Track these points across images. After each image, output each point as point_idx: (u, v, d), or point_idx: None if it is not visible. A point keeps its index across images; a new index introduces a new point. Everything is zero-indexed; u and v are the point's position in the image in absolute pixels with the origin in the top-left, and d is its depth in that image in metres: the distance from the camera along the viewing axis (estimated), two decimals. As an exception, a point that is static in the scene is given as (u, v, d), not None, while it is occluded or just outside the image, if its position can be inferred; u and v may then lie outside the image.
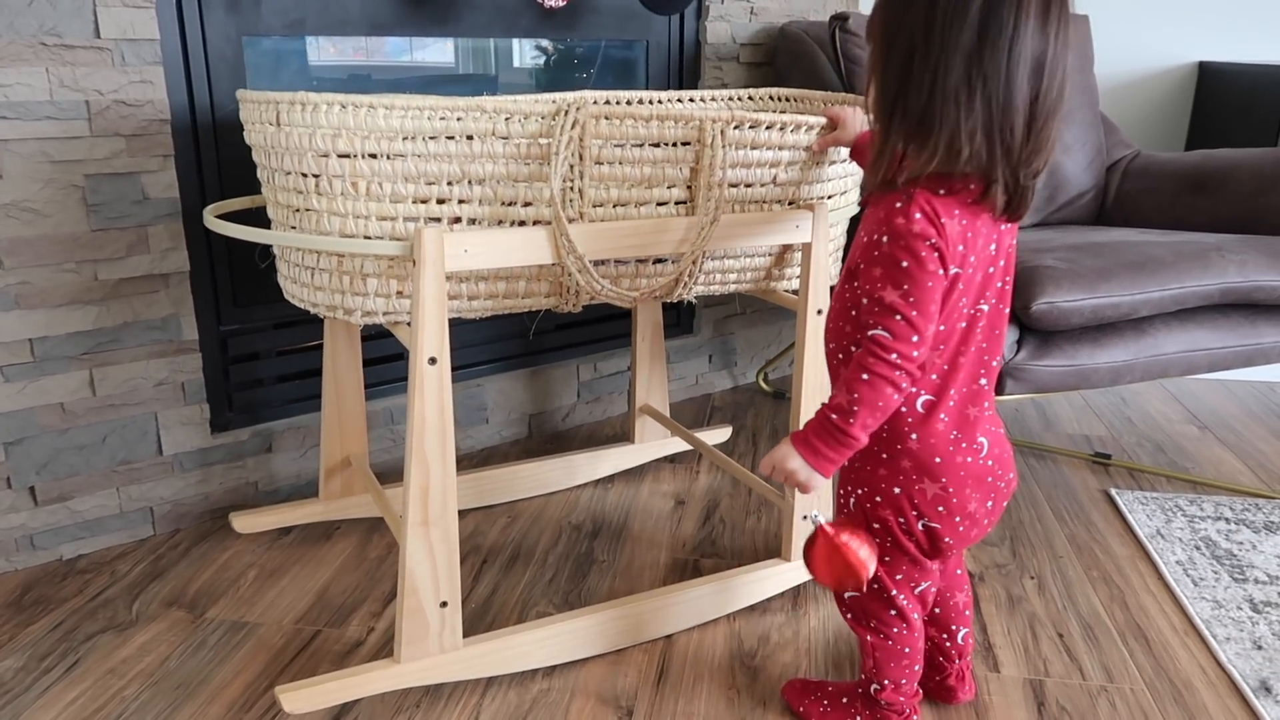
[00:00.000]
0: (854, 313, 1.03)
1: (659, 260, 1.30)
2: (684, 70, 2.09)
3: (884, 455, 1.05)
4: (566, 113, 1.13)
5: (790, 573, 1.48)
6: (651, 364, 1.87)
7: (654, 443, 1.93)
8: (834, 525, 1.04)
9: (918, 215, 0.93)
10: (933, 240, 0.93)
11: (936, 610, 1.20)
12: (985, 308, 1.02)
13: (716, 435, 2.04)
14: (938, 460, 1.03)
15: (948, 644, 1.22)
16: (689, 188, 1.25)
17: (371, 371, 1.78)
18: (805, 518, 1.03)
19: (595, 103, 1.52)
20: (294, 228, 1.17)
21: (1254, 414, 2.24)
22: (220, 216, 1.31)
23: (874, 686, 1.17)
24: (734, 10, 2.10)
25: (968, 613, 1.22)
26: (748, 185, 1.28)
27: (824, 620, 1.42)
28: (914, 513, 1.05)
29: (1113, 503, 1.80)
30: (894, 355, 0.95)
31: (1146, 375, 1.52)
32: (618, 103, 1.59)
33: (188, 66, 1.52)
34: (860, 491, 1.08)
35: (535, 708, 1.23)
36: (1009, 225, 1.01)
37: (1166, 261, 1.49)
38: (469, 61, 1.99)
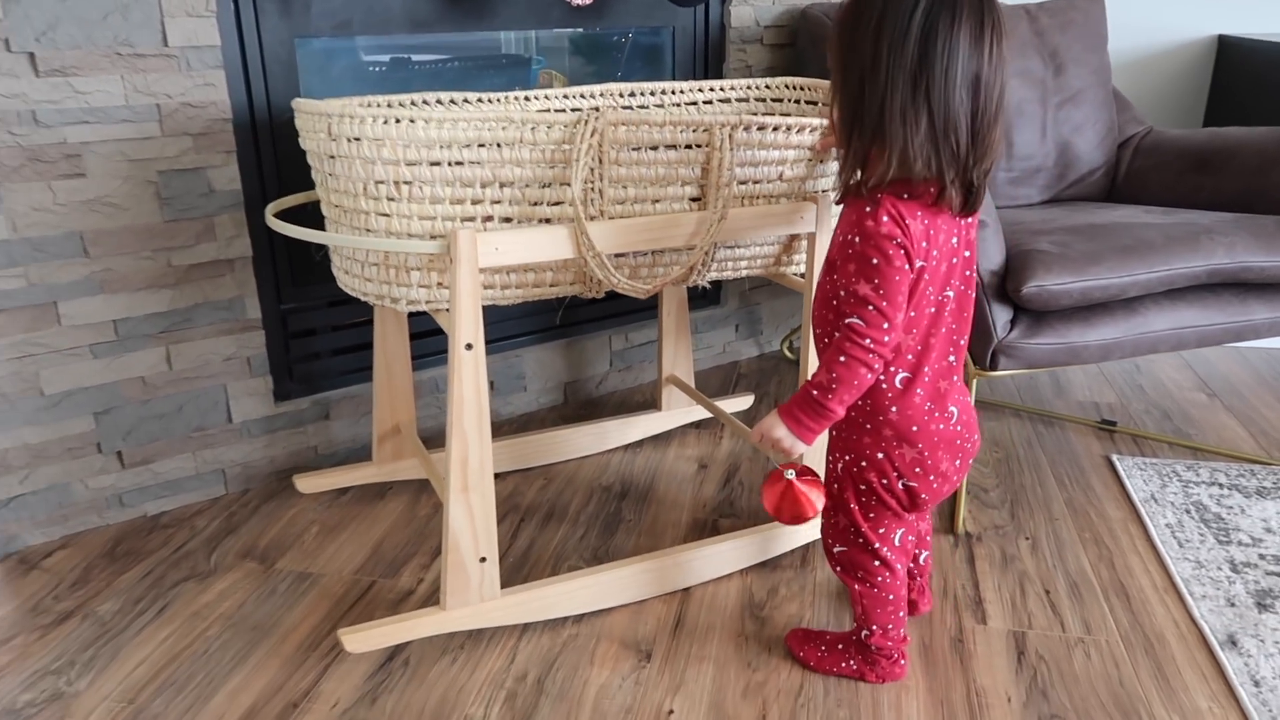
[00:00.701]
0: (835, 302, 1.17)
1: (676, 250, 1.42)
2: (709, 54, 2.18)
3: (868, 426, 1.19)
4: (586, 122, 1.25)
5: (799, 532, 1.62)
6: (677, 336, 2.00)
7: (679, 410, 2.07)
8: (798, 478, 1.21)
9: (885, 218, 1.07)
10: (898, 240, 1.07)
11: (909, 538, 1.33)
12: (951, 293, 1.16)
13: (739, 403, 2.17)
14: (915, 429, 1.17)
15: (912, 566, 1.40)
16: (701, 185, 1.37)
17: (418, 345, 1.93)
18: (785, 472, 1.22)
19: (617, 96, 1.64)
20: (344, 225, 1.32)
21: (1265, 381, 2.31)
22: (279, 212, 1.46)
23: (864, 632, 1.31)
24: (757, -6, 2.19)
25: (928, 538, 1.43)
26: (755, 182, 1.40)
27: (829, 577, 1.56)
28: (895, 474, 1.20)
29: (1113, 468, 1.90)
30: (867, 340, 1.09)
31: (1136, 352, 1.61)
32: (639, 95, 1.70)
33: (246, 69, 1.66)
34: (848, 458, 1.23)
35: (565, 650, 1.39)
36: (969, 219, 1.14)
37: (1156, 245, 1.57)
38: (506, 45, 2.10)
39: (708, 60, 2.19)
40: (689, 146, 1.34)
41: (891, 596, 1.29)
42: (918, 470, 1.19)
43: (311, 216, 1.45)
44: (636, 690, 1.31)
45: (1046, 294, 1.50)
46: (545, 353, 2.15)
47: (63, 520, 1.67)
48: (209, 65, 1.60)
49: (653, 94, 1.72)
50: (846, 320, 1.10)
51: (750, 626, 1.44)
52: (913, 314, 1.13)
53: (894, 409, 1.17)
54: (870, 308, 1.08)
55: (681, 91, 1.73)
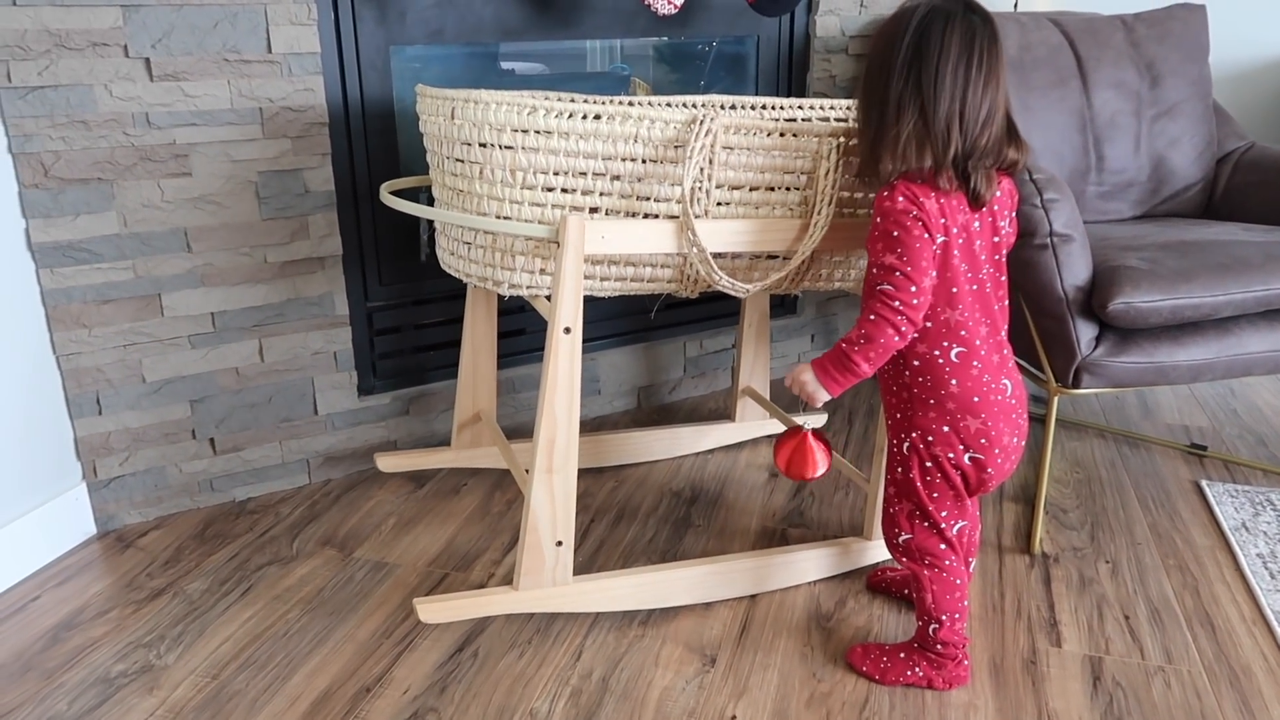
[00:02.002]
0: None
1: (771, 256, 1.43)
2: (794, 63, 2.18)
3: (931, 401, 1.25)
4: (701, 122, 1.28)
5: (871, 550, 1.60)
6: (756, 348, 2.00)
7: (753, 422, 2.07)
8: (814, 434, 1.33)
9: (900, 197, 1.18)
10: (914, 213, 1.17)
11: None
12: (988, 272, 1.24)
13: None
14: (976, 399, 1.23)
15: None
16: (804, 194, 1.38)
17: (504, 343, 1.98)
18: (800, 426, 1.35)
19: (718, 108, 1.66)
20: (456, 208, 1.37)
21: (1371, 410, 2.20)
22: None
23: (933, 626, 1.31)
24: (844, 4, 2.18)
25: (977, 547, 1.42)
26: (859, 193, 1.40)
27: (866, 579, 1.54)
28: (961, 446, 1.24)
29: (1201, 494, 1.84)
30: (896, 302, 1.18)
31: (1229, 374, 1.55)
32: (739, 108, 1.71)
33: (343, 74, 1.72)
34: (914, 435, 1.27)
35: (630, 650, 1.40)
36: (994, 205, 1.23)
37: (1254, 263, 1.51)
38: (592, 53, 2.14)
39: (791, 70, 2.19)
40: (796, 154, 1.35)
41: (959, 581, 1.30)
42: (983, 441, 1.24)
43: (413, 201, 1.49)
44: (700, 694, 1.32)
45: (1134, 311, 1.46)
46: (620, 356, 2.18)
47: (158, 502, 1.75)
48: (309, 71, 1.67)
49: (752, 108, 1.73)
50: (877, 287, 1.20)
51: (817, 637, 1.44)
52: (955, 290, 1.21)
53: (954, 381, 1.23)
54: (897, 273, 1.18)
55: (783, 107, 1.74)
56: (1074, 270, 1.51)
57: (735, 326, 2.27)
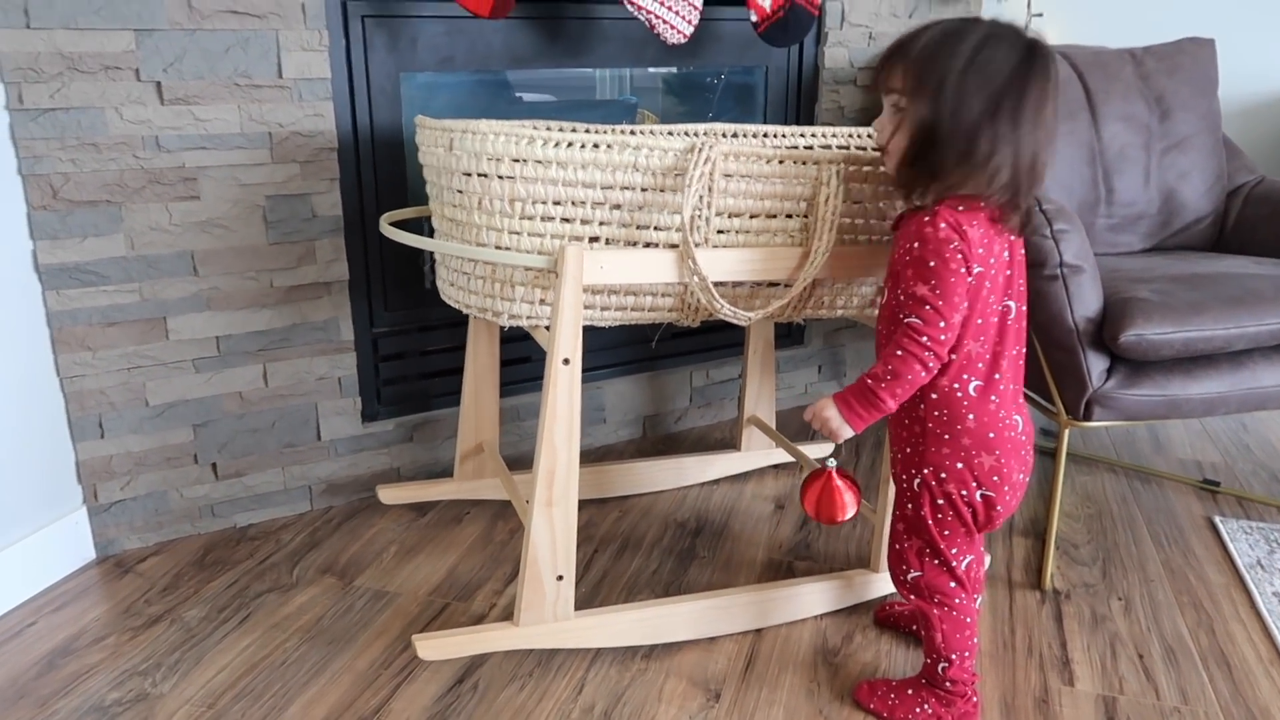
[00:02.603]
0: (901, 316, 1.21)
1: (773, 284, 1.42)
2: (802, 94, 2.19)
3: (946, 436, 1.21)
4: (700, 150, 1.27)
5: (877, 583, 1.58)
6: (762, 377, 1.99)
7: (759, 451, 2.05)
8: (839, 472, 1.29)
9: (943, 225, 1.14)
10: (955, 244, 1.14)
11: None
12: (1011, 304, 1.21)
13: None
14: (991, 435, 1.20)
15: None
16: (805, 221, 1.37)
17: (501, 372, 1.96)
18: (819, 461, 1.32)
19: (720, 136, 1.66)
20: (455, 238, 1.36)
21: (1385, 447, 2.18)
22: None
23: (942, 665, 1.28)
24: (852, 36, 2.19)
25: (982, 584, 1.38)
26: (860, 219, 1.39)
27: (873, 613, 1.51)
28: (974, 483, 1.21)
29: (1215, 530, 1.81)
30: (924, 338, 1.15)
31: (1243, 407, 1.53)
32: (742, 136, 1.71)
33: (353, 100, 1.73)
34: (926, 471, 1.23)
35: (633, 684, 1.38)
36: (1018, 238, 1.21)
37: (1266, 296, 1.50)
38: (601, 83, 2.15)
39: (800, 101, 2.19)
40: (797, 181, 1.35)
41: (969, 619, 1.27)
42: (995, 479, 1.21)
43: (416, 231, 1.49)
44: (704, 729, 1.29)
45: (1146, 343, 1.45)
46: (626, 385, 2.16)
47: (158, 527, 1.74)
48: (319, 97, 1.67)
49: (755, 136, 1.73)
50: (905, 320, 1.16)
51: (823, 673, 1.41)
52: (979, 321, 1.18)
53: (970, 416, 1.20)
54: (927, 307, 1.14)
55: (784, 135, 1.74)
56: (1085, 301, 1.49)
57: (740, 357, 2.26)
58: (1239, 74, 2.42)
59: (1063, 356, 1.52)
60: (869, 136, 1.73)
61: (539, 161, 1.25)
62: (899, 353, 1.16)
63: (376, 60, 1.73)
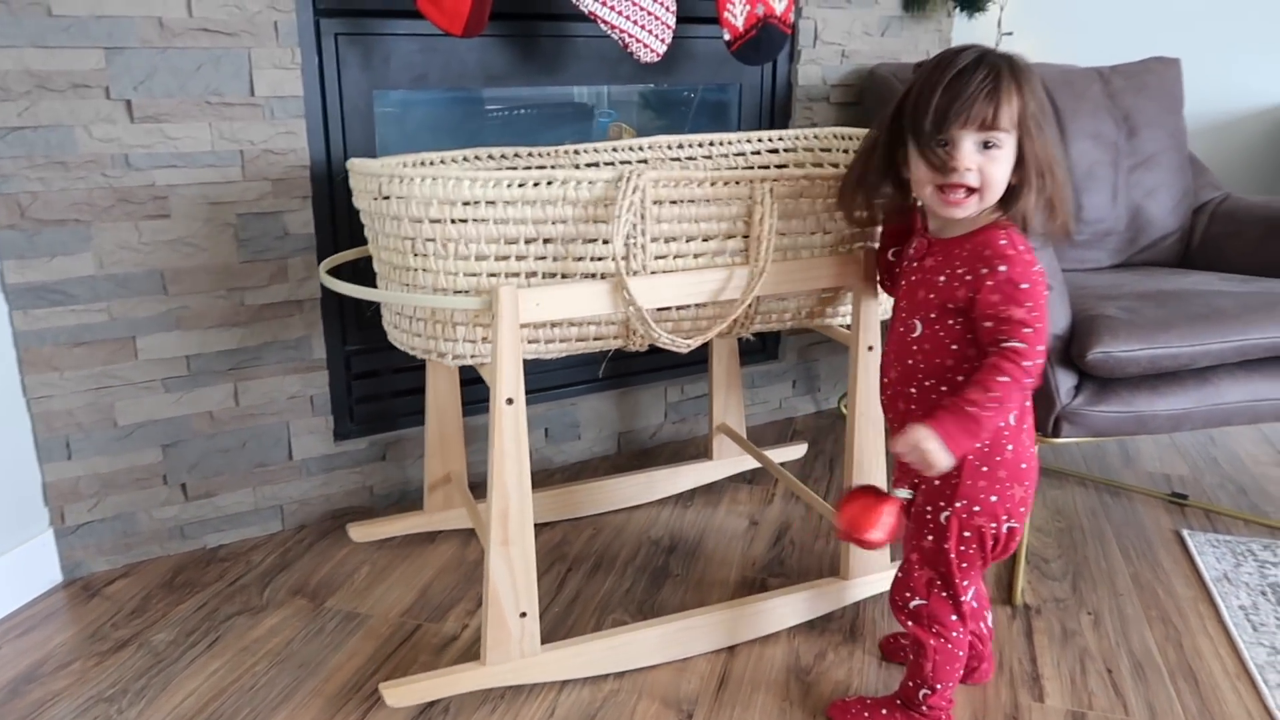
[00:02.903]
0: (954, 347, 1.18)
1: (718, 303, 1.42)
2: (775, 111, 2.20)
3: (984, 468, 1.20)
4: (627, 179, 1.27)
5: (849, 590, 1.58)
6: (728, 385, 1.99)
7: (730, 459, 2.05)
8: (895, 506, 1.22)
9: (1021, 246, 1.14)
10: (1038, 266, 1.14)
11: (975, 604, 1.33)
12: None
13: (791, 452, 2.14)
14: (1024, 466, 1.21)
15: (984, 629, 1.40)
16: (743, 239, 1.38)
17: (470, 390, 1.95)
18: (895, 491, 1.24)
19: (665, 149, 1.66)
20: (394, 281, 1.34)
21: (1350, 459, 2.21)
22: (336, 266, 1.51)
23: (924, 691, 1.28)
24: (826, 53, 2.21)
25: (987, 603, 1.41)
26: (797, 234, 1.40)
27: (878, 642, 1.52)
28: (1004, 515, 1.21)
29: (1183, 543, 1.83)
30: (1027, 362, 1.11)
31: (1208, 423, 1.55)
32: (687, 146, 1.72)
33: (325, 118, 1.72)
34: (958, 504, 1.21)
35: (605, 706, 1.37)
36: None
37: (1231, 313, 1.52)
38: (580, 99, 2.16)
39: (774, 117, 2.21)
40: (731, 202, 1.35)
41: (961, 653, 1.28)
42: (1022, 510, 1.21)
43: (365, 272, 1.49)
44: (677, 750, 1.29)
45: (1113, 361, 1.46)
46: (600, 402, 2.16)
47: (126, 549, 1.72)
48: (291, 114, 1.67)
49: (700, 145, 1.73)
50: (1005, 344, 1.12)
51: (795, 691, 1.41)
52: None
53: (1010, 447, 1.19)
54: (1027, 329, 1.11)
55: (730, 143, 1.74)
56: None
57: (717, 372, 2.26)
58: (1204, 92, 2.46)
59: (1031, 374, 1.54)
60: (815, 137, 1.75)
61: (468, 203, 1.23)
62: (1002, 378, 1.11)
63: (349, 78, 1.73)
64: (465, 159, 1.60)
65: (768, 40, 1.93)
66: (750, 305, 1.39)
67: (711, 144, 1.73)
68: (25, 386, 1.57)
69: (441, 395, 1.75)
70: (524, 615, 1.35)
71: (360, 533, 1.82)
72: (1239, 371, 1.57)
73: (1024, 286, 1.12)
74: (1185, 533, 1.86)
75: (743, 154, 1.77)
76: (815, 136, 1.76)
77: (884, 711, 1.31)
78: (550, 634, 1.44)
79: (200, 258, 1.65)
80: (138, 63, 1.52)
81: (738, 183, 1.34)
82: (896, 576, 1.30)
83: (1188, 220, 2.10)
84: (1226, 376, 1.56)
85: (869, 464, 1.52)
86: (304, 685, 1.40)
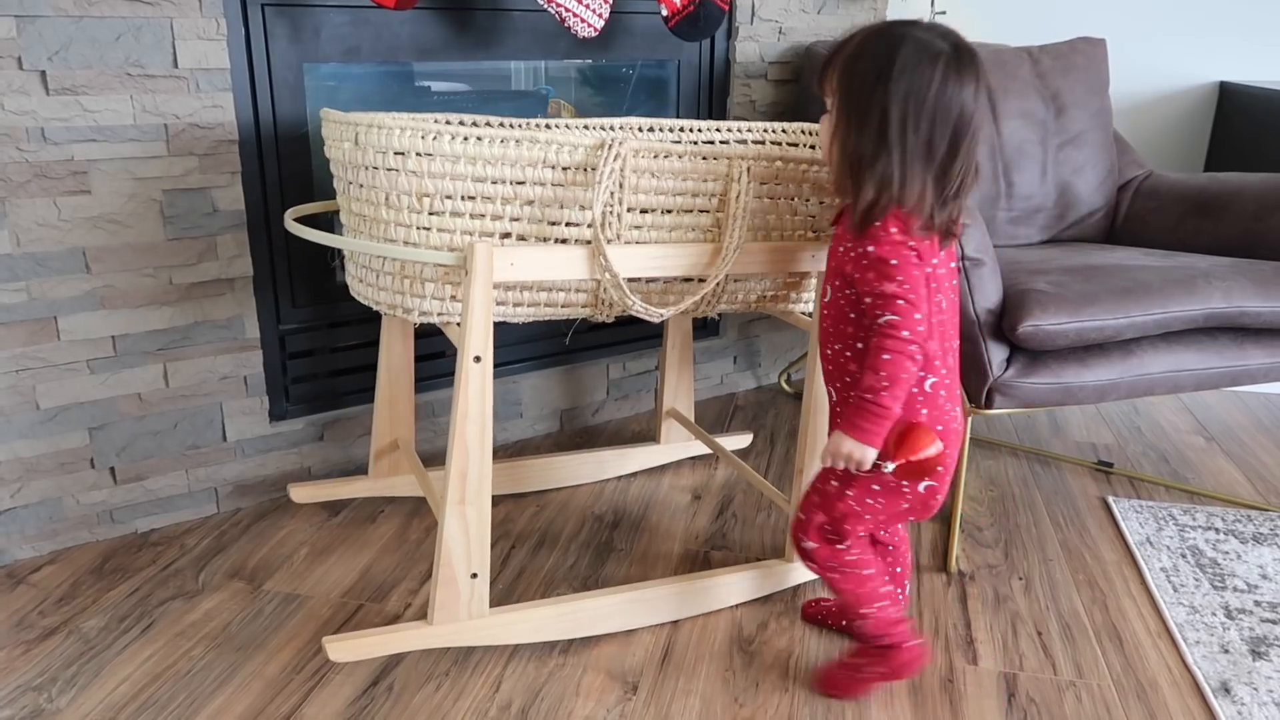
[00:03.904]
0: (853, 315, 1.23)
1: (686, 280, 1.43)
2: (714, 88, 2.20)
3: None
4: (610, 147, 1.27)
5: (793, 572, 1.60)
6: (680, 370, 2.00)
7: (678, 444, 2.06)
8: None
9: (893, 230, 1.17)
10: (910, 243, 1.16)
11: (897, 568, 1.43)
12: (949, 304, 1.24)
13: (737, 441, 2.16)
14: (940, 429, 1.22)
15: (900, 595, 1.43)
16: (717, 217, 1.39)
17: (417, 367, 1.93)
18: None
19: (636, 130, 1.66)
20: (364, 234, 1.33)
21: (1264, 427, 2.31)
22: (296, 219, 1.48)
23: (860, 621, 1.33)
24: (763, 30, 2.21)
25: (905, 580, 1.45)
26: (770, 215, 1.41)
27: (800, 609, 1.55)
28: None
29: (1109, 510, 1.89)
30: (904, 332, 1.15)
31: (1132, 393, 1.61)
32: (658, 130, 1.72)
33: (254, 92, 1.67)
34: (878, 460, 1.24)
35: (551, 680, 1.38)
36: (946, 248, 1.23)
37: (1153, 287, 1.57)
38: (516, 74, 2.13)
39: (712, 95, 2.21)
40: (708, 178, 1.35)
41: (866, 571, 1.32)
42: (940, 469, 1.23)
43: (322, 226, 1.45)
44: (621, 722, 1.30)
45: (1042, 334, 1.50)
46: (543, 379, 2.15)
47: (52, 535, 1.66)
48: (217, 88, 1.62)
49: (671, 130, 1.73)
50: (880, 320, 1.16)
51: (739, 661, 1.43)
52: (934, 320, 1.20)
53: (924, 411, 1.22)
54: (900, 301, 1.15)
55: (700, 130, 1.75)
56: (985, 293, 1.54)
57: (658, 349, 2.27)
58: (1128, 72, 2.53)
59: (965, 347, 1.57)
60: (782, 131, 1.76)
61: (447, 156, 1.24)
62: (885, 356, 1.15)
63: (278, 50, 1.68)
64: (438, 122, 1.57)
65: (705, 17, 1.93)
66: (719, 283, 1.39)
67: (682, 129, 1.74)
68: (-60, 369, 1.50)
69: (395, 359, 1.73)
70: (475, 576, 1.35)
71: (302, 494, 1.80)
72: (1160, 343, 1.62)
73: (893, 263, 1.16)
74: (1111, 499, 1.92)
75: (711, 142, 1.77)
76: (784, 130, 1.76)
77: (857, 658, 1.36)
78: (495, 608, 1.44)
79: (125, 235, 1.60)
80: (51, 32, 1.46)
81: (716, 159, 1.35)
82: (797, 517, 1.34)
83: (1113, 197, 2.16)
84: (1149, 348, 1.61)
85: (820, 446, 1.53)
86: (243, 668, 1.38)
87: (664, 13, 1.88)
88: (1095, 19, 2.52)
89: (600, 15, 1.78)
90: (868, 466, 1.20)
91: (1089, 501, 1.93)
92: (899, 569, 1.45)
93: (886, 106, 1.13)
